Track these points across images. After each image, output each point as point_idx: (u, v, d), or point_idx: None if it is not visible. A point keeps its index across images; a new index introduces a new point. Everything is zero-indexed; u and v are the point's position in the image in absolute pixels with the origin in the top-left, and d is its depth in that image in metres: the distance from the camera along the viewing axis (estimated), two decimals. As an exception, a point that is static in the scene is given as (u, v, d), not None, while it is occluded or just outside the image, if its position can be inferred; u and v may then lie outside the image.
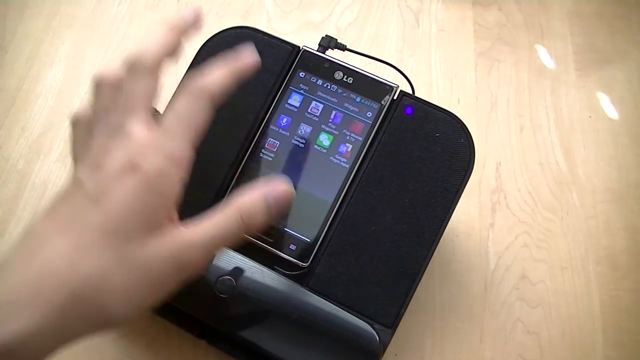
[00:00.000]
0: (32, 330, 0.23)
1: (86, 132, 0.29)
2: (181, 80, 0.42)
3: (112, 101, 0.28)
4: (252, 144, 0.41)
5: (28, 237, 0.26)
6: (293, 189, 0.30)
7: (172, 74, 0.52)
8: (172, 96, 0.42)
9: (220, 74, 0.30)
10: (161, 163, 0.27)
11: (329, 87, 0.41)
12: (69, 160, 0.50)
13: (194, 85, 0.29)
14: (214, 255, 0.32)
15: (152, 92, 0.29)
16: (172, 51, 0.30)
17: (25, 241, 0.26)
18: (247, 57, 0.31)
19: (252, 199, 0.29)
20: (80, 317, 0.25)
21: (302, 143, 0.41)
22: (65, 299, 0.24)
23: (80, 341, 0.25)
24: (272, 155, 0.40)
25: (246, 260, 0.38)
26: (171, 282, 0.27)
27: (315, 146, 0.40)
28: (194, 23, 0.32)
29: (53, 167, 0.50)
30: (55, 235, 0.25)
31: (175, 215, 0.29)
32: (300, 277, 0.38)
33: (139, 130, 0.27)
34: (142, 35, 0.55)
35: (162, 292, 0.27)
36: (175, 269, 0.27)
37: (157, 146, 0.27)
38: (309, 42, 0.43)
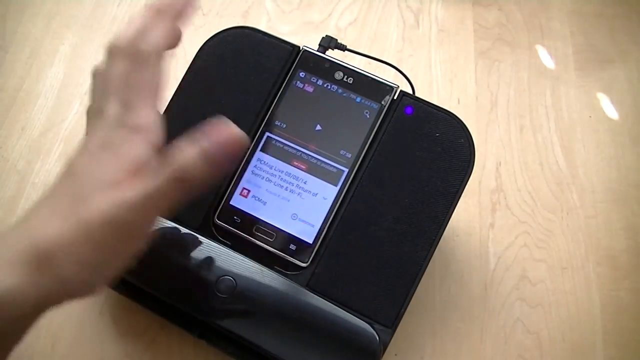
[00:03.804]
0: (9, 287, 0.24)
1: (102, 94, 0.29)
2: (181, 81, 0.42)
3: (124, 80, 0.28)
4: (252, 144, 0.41)
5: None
6: (241, 132, 0.27)
7: (172, 74, 0.53)
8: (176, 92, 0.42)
9: (155, 31, 0.29)
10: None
11: (329, 87, 0.41)
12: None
13: (129, 49, 0.28)
14: (153, 219, 0.28)
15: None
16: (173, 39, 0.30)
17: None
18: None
19: (187, 157, 0.27)
20: (52, 277, 0.25)
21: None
22: (31, 259, 0.25)
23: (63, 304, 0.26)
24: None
25: (246, 260, 0.38)
26: (116, 244, 0.26)
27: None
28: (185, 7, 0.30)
29: (53, 167, 0.50)
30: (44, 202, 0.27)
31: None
32: (300, 277, 0.38)
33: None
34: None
35: (113, 256, 0.27)
36: (112, 229, 0.26)
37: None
38: (309, 42, 0.43)
